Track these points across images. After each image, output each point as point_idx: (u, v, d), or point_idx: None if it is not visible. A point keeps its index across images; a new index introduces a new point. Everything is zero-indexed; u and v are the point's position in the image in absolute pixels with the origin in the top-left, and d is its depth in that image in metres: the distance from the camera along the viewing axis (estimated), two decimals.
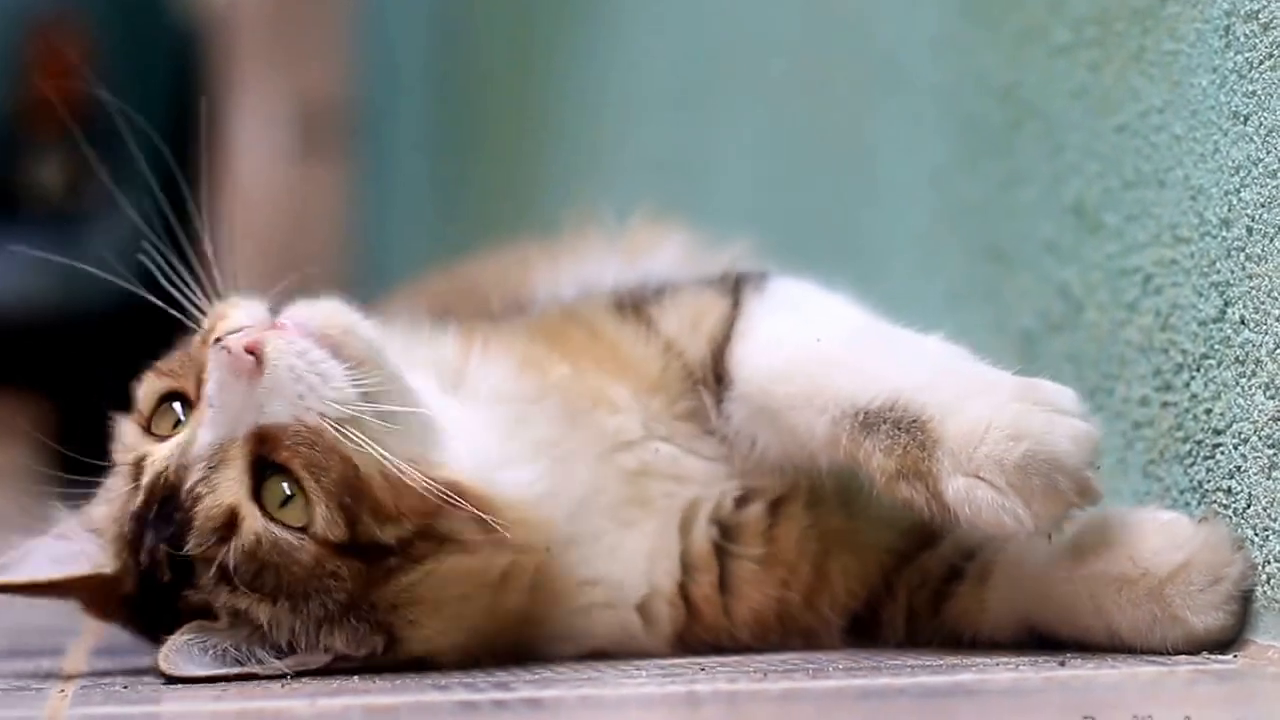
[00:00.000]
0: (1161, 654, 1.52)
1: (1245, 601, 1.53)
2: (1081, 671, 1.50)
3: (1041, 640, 1.60)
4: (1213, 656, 1.53)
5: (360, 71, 6.07)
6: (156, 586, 1.55)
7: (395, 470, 1.51)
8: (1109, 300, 1.74)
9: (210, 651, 1.53)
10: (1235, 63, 1.55)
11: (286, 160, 6.17)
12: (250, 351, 1.52)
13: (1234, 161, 1.55)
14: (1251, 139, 1.53)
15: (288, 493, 1.53)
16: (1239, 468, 1.55)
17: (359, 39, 6.12)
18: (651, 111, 3.11)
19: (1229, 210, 1.56)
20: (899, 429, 1.51)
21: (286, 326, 1.55)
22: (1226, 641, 1.52)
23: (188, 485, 1.53)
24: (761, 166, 2.66)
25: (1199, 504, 1.59)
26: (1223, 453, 1.57)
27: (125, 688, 1.55)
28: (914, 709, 1.41)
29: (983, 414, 1.48)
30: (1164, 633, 1.53)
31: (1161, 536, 1.53)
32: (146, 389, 1.60)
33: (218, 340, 1.54)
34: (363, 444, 1.51)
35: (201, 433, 1.54)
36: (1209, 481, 1.58)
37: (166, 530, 1.53)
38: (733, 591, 1.66)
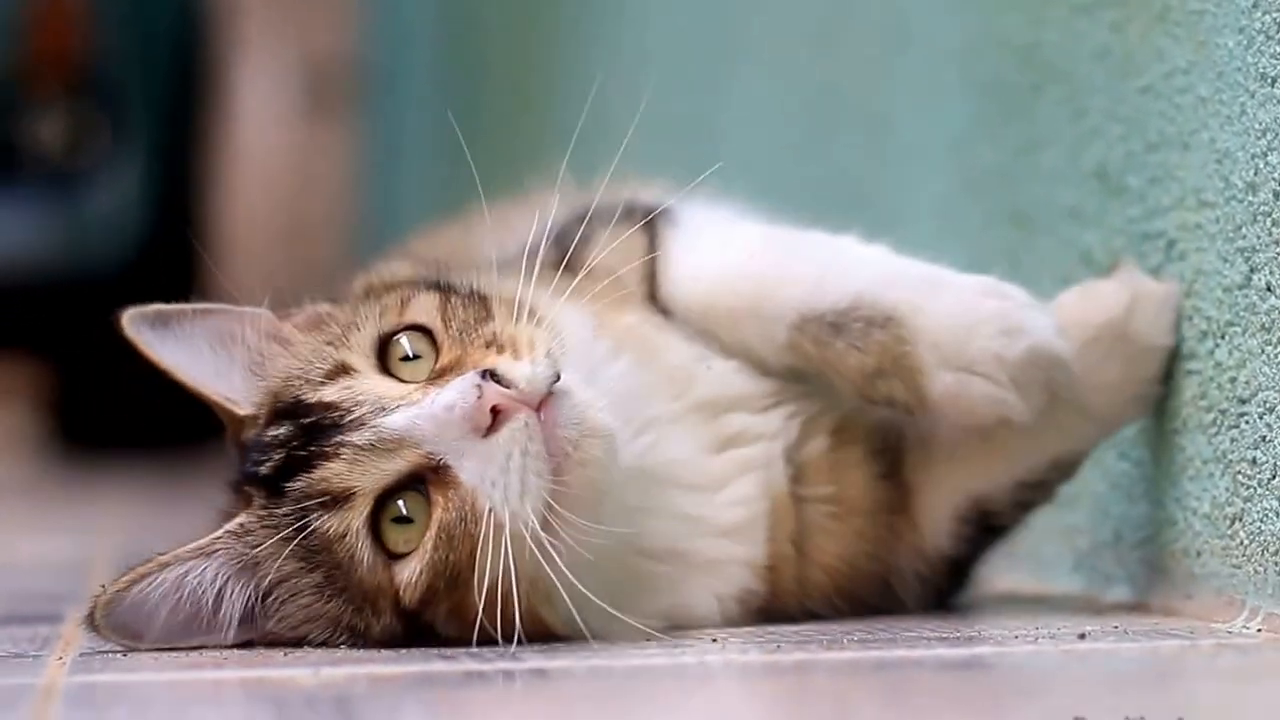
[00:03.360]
0: None
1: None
2: (1101, 644, 1.49)
3: None
4: (1235, 630, 1.52)
5: (367, 28, 6.04)
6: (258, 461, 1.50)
7: (507, 599, 1.44)
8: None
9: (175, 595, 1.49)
10: (1263, 23, 1.53)
11: (292, 120, 6.14)
12: (494, 412, 1.45)
13: (1261, 124, 1.53)
14: (1279, 101, 1.51)
15: (411, 518, 1.47)
16: (1264, 437, 1.53)
17: None
18: (663, 73, 3.08)
19: (1255, 174, 1.54)
20: (873, 326, 1.54)
21: (547, 415, 1.45)
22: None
23: (342, 438, 1.47)
24: (775, 131, 2.64)
25: (1223, 474, 1.57)
26: (1248, 422, 1.55)
27: (124, 655, 1.52)
28: (931, 681, 1.40)
29: (956, 310, 1.53)
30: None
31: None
32: (424, 305, 1.52)
33: (489, 372, 1.46)
34: (501, 561, 1.44)
35: (400, 415, 1.46)
36: (1233, 451, 1.56)
37: (299, 444, 1.48)
38: (808, 546, 1.62)
